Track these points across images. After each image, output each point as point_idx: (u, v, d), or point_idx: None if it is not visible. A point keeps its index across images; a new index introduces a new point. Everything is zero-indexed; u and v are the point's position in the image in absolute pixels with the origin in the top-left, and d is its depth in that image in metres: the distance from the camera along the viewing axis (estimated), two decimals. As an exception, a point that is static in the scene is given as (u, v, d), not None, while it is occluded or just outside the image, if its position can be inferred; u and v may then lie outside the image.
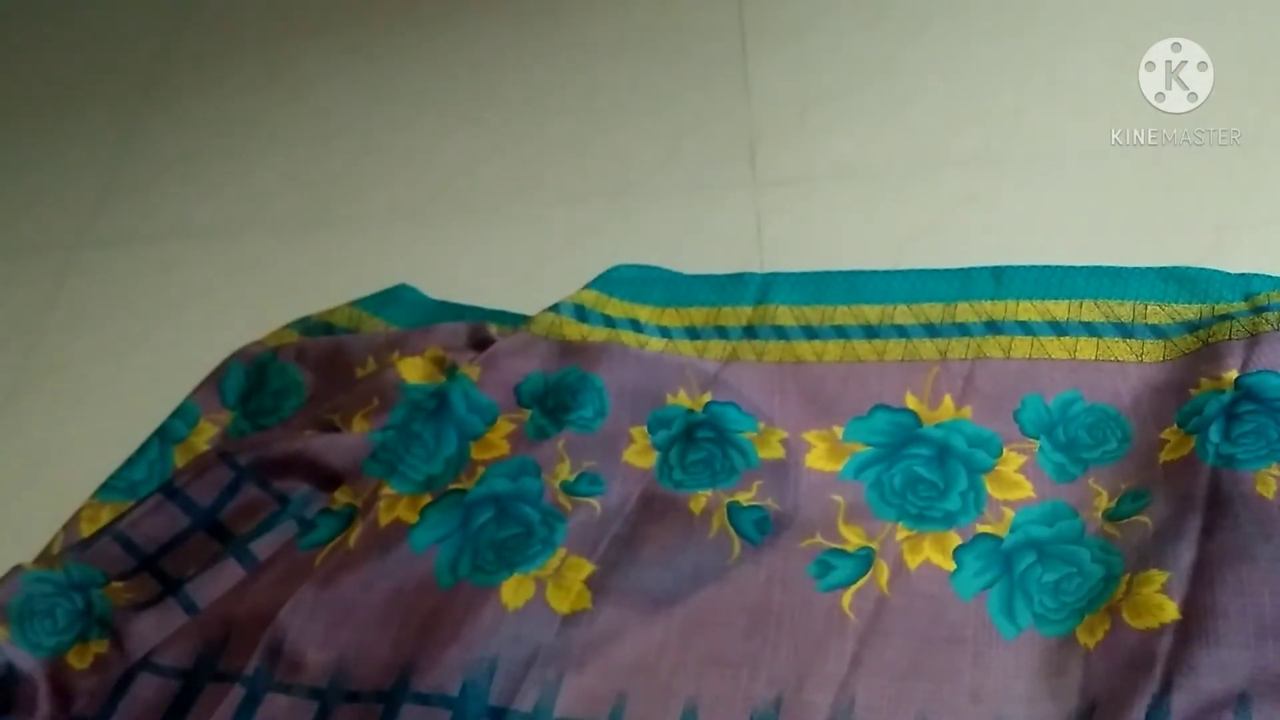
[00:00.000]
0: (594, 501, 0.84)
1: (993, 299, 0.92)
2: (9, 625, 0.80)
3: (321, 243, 1.16)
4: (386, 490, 0.86)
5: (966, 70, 1.17)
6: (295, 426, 0.94)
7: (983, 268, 0.94)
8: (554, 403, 0.91)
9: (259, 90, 1.38)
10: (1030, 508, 0.79)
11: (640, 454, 0.87)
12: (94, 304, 1.15)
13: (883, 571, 0.77)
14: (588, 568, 0.80)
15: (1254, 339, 0.81)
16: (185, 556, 0.85)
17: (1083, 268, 0.91)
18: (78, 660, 0.80)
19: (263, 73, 1.40)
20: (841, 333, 0.93)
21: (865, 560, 0.78)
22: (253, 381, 0.99)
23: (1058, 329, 0.89)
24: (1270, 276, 0.87)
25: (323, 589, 0.80)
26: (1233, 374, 0.80)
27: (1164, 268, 0.90)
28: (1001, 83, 1.15)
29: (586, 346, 0.94)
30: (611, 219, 1.11)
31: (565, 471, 0.86)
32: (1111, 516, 0.77)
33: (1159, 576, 0.71)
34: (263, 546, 0.85)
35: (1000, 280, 0.92)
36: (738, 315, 0.96)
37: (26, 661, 0.79)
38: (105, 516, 0.90)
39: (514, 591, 0.78)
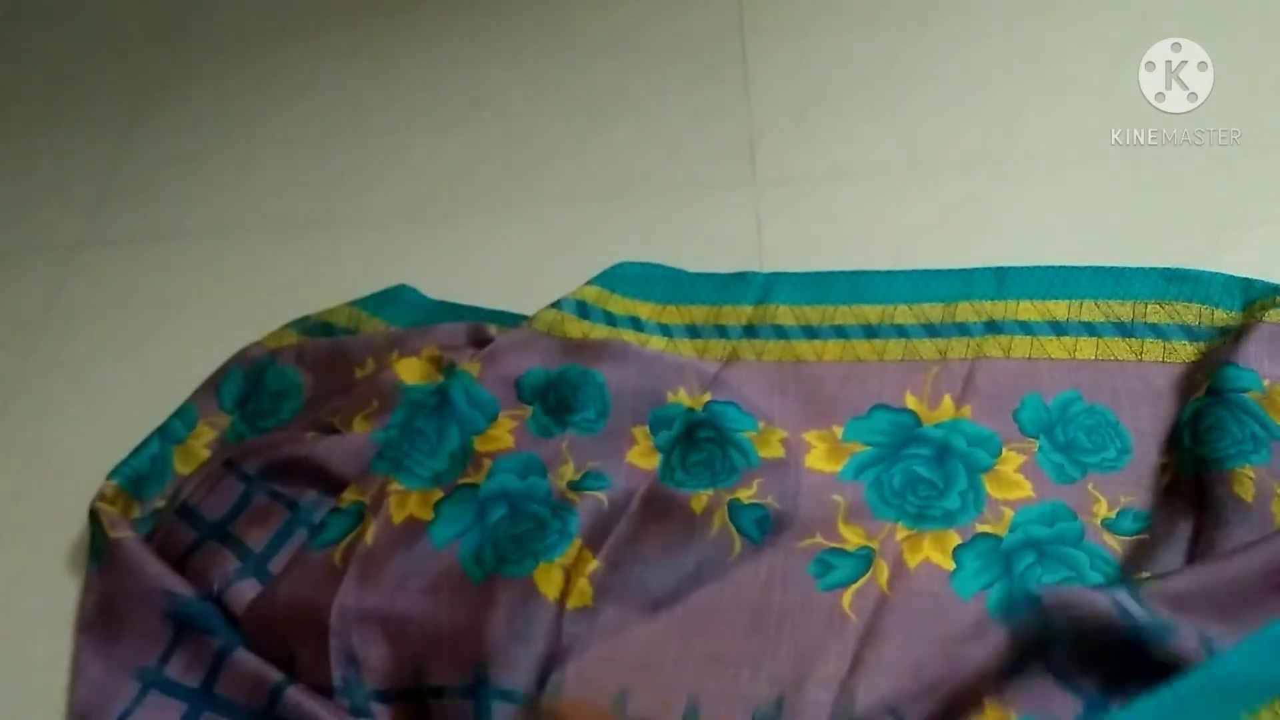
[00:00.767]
0: (600, 495, 0.84)
1: (994, 299, 0.92)
2: None
3: (321, 243, 1.16)
4: (394, 486, 0.86)
5: (966, 70, 1.17)
6: (295, 429, 0.94)
7: (985, 268, 0.94)
8: (555, 400, 0.91)
9: (259, 90, 1.38)
10: (1029, 507, 0.80)
11: (643, 455, 0.87)
12: (94, 304, 1.15)
13: (882, 571, 0.77)
14: (592, 564, 0.80)
15: (1240, 335, 0.82)
16: (201, 572, 0.85)
17: (1085, 268, 0.92)
18: None
19: (263, 73, 1.40)
20: (841, 332, 0.93)
21: (865, 560, 0.78)
22: (251, 385, 0.99)
23: (1057, 329, 0.89)
24: (1270, 283, 0.87)
25: (362, 593, 0.80)
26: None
27: (1165, 268, 0.90)
28: (1001, 83, 1.15)
29: (587, 344, 0.94)
30: (611, 219, 1.11)
31: (570, 472, 0.87)
32: (1112, 529, 0.78)
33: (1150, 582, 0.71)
34: (278, 562, 0.85)
35: (1003, 280, 0.93)
36: (738, 314, 0.96)
37: None
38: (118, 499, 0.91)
39: (547, 580, 0.79)
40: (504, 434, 0.90)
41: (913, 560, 0.77)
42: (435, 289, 1.06)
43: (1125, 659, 0.67)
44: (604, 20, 1.35)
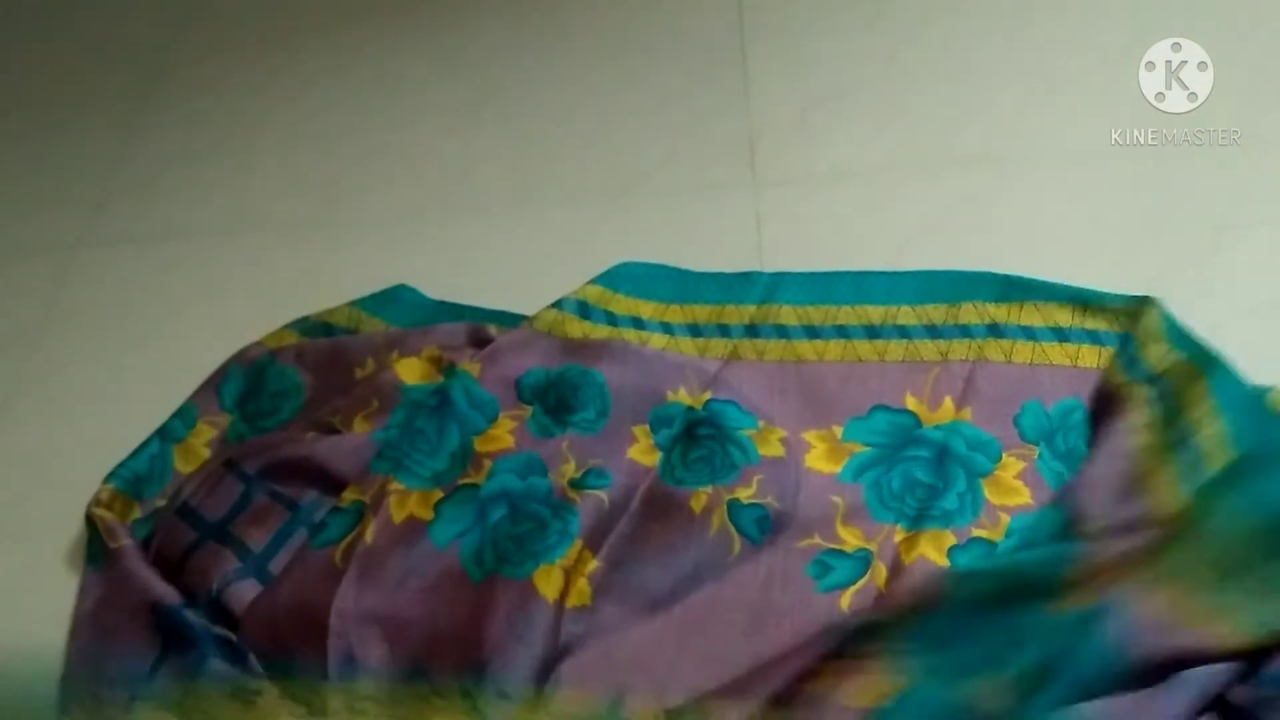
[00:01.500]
0: (601, 494, 0.84)
1: (997, 301, 0.92)
2: None
3: (321, 243, 1.16)
4: (395, 485, 0.86)
5: (966, 70, 1.17)
6: (295, 429, 0.94)
7: (994, 273, 0.94)
8: (555, 400, 0.91)
9: (259, 90, 1.38)
10: (1026, 514, 0.79)
11: (644, 453, 0.87)
12: (94, 304, 1.15)
13: (881, 573, 0.77)
14: (592, 564, 0.80)
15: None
16: (201, 572, 0.85)
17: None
18: None
19: (263, 73, 1.40)
20: (843, 332, 0.93)
21: (864, 562, 0.78)
22: (251, 384, 0.99)
23: (1060, 335, 0.89)
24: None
25: (362, 592, 0.80)
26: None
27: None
28: (1001, 83, 1.15)
29: (588, 343, 0.94)
30: (611, 219, 1.11)
31: (571, 471, 0.87)
32: None
33: None
34: (278, 562, 0.85)
35: (1010, 284, 0.93)
36: (741, 313, 0.96)
37: None
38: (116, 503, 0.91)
39: (546, 582, 0.79)
40: (504, 434, 0.90)
41: (909, 558, 0.77)
42: (435, 289, 1.06)
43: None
44: (604, 20, 1.35)
